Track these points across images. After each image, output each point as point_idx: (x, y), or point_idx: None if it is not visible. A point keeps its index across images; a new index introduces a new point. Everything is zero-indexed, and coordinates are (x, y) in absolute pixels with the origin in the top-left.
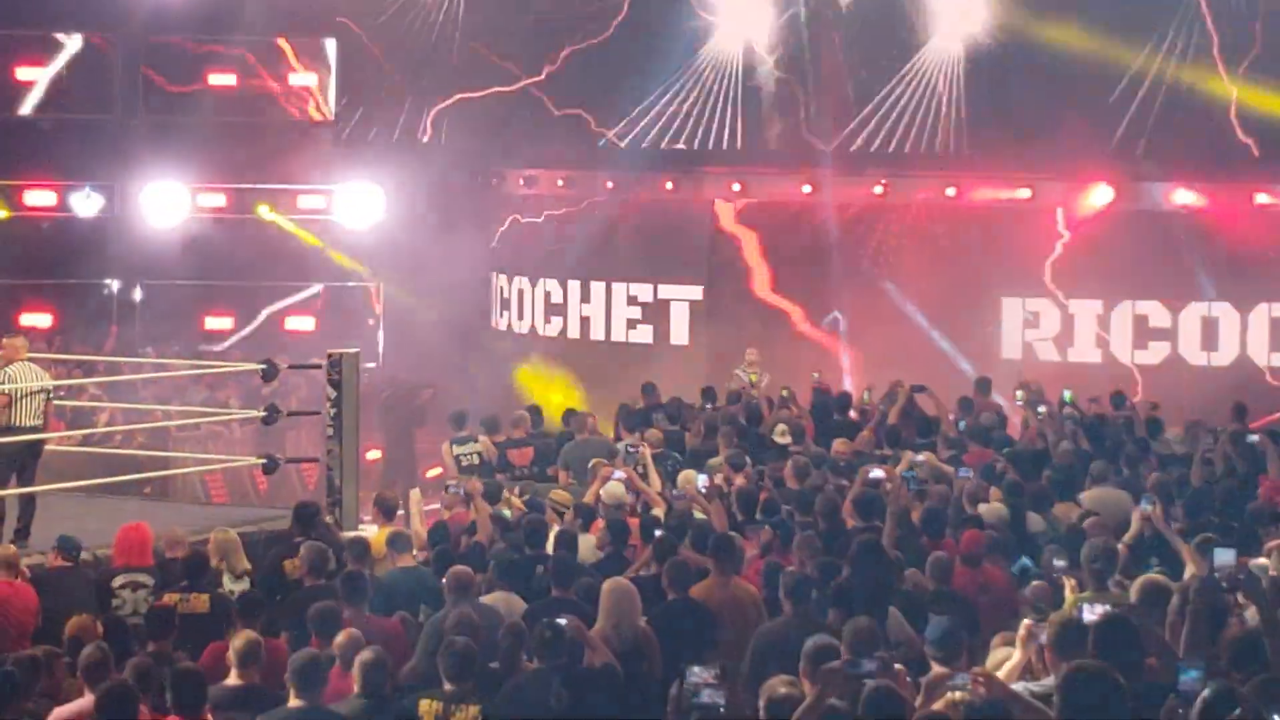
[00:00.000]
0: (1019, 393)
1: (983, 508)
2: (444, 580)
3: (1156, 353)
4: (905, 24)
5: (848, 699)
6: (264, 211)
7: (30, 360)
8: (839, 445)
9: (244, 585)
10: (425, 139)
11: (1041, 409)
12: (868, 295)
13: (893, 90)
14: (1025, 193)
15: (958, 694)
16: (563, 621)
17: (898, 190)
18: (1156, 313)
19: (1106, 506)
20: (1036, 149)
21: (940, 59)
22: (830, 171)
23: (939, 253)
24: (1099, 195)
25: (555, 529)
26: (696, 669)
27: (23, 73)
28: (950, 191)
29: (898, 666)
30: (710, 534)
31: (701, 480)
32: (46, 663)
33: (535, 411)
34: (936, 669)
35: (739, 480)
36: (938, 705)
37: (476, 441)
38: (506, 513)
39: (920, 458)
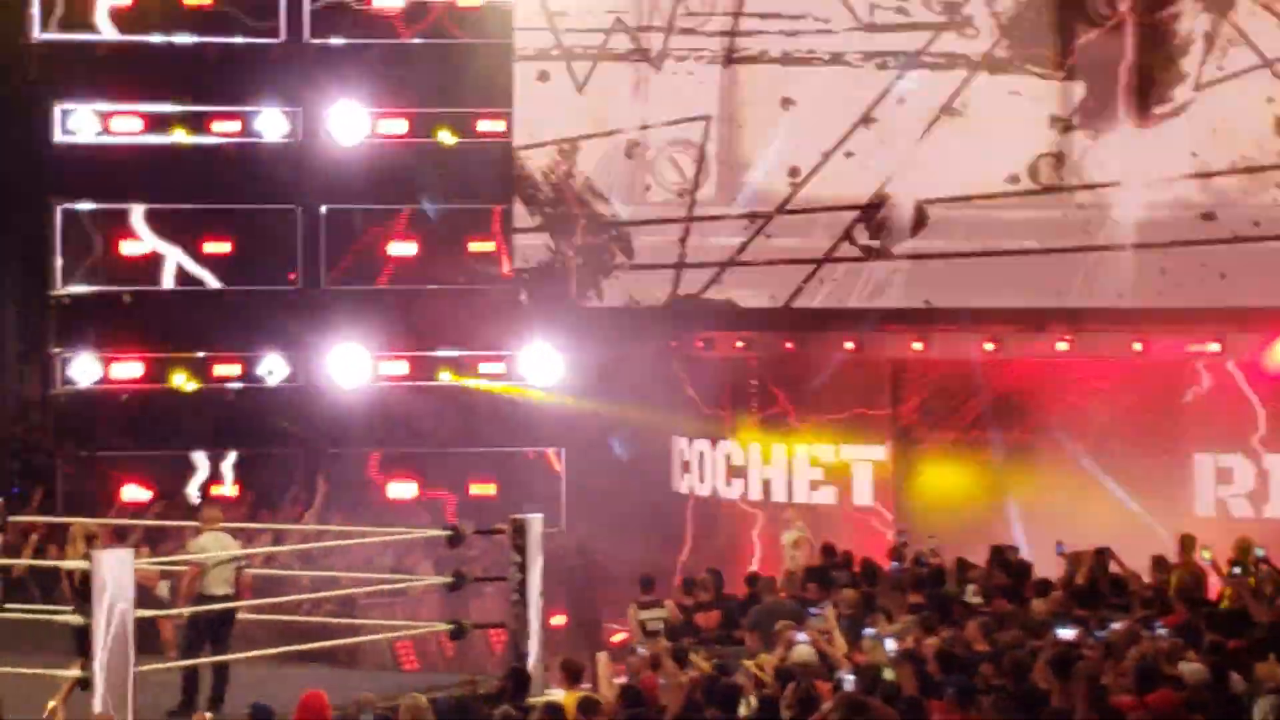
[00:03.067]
0: (1205, 552)
1: (1183, 666)
2: None
3: None
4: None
5: None
6: (445, 378)
7: (223, 529)
8: (1038, 605)
9: None
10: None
11: (1237, 569)
12: (1050, 453)
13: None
14: (1214, 346)
15: None
16: None
17: (1082, 345)
18: None
19: None
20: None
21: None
22: (1011, 328)
23: (1124, 409)
24: None
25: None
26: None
27: (209, 246)
28: (1137, 346)
29: None
30: (899, 698)
31: (890, 644)
32: None
33: (717, 575)
34: None
35: (930, 641)
36: None
37: (662, 606)
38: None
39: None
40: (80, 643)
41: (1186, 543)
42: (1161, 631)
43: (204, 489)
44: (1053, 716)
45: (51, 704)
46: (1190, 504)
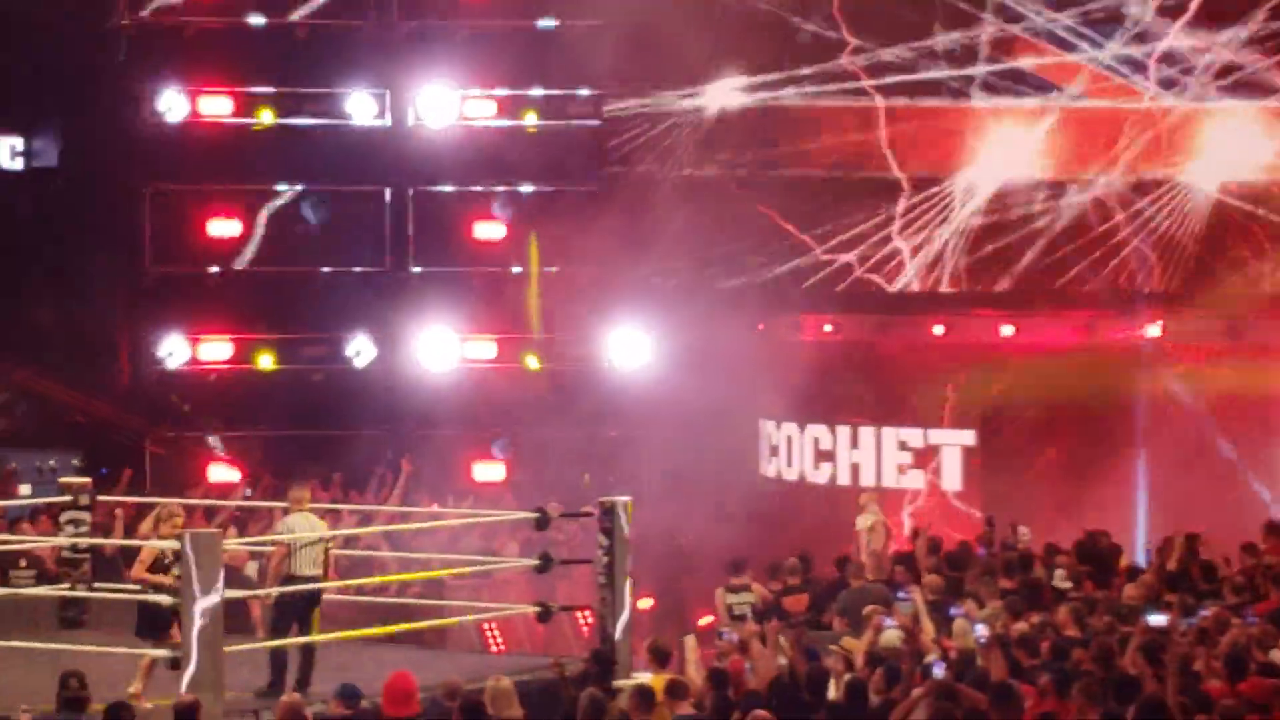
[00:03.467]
0: None
1: (1275, 654)
2: None
3: None
4: None
5: None
6: (531, 361)
7: (310, 510)
8: (1130, 590)
9: None
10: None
11: None
12: (1133, 439)
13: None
14: None
15: None
16: None
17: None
18: None
19: None
20: None
21: None
22: (1099, 314)
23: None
24: None
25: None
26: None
27: (297, 227)
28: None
29: None
30: (988, 682)
31: (980, 630)
32: None
33: (805, 559)
34: None
35: (1018, 627)
36: None
37: (750, 591)
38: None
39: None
40: (152, 624)
41: (1272, 529)
42: (1253, 619)
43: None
44: (1144, 703)
45: (131, 688)
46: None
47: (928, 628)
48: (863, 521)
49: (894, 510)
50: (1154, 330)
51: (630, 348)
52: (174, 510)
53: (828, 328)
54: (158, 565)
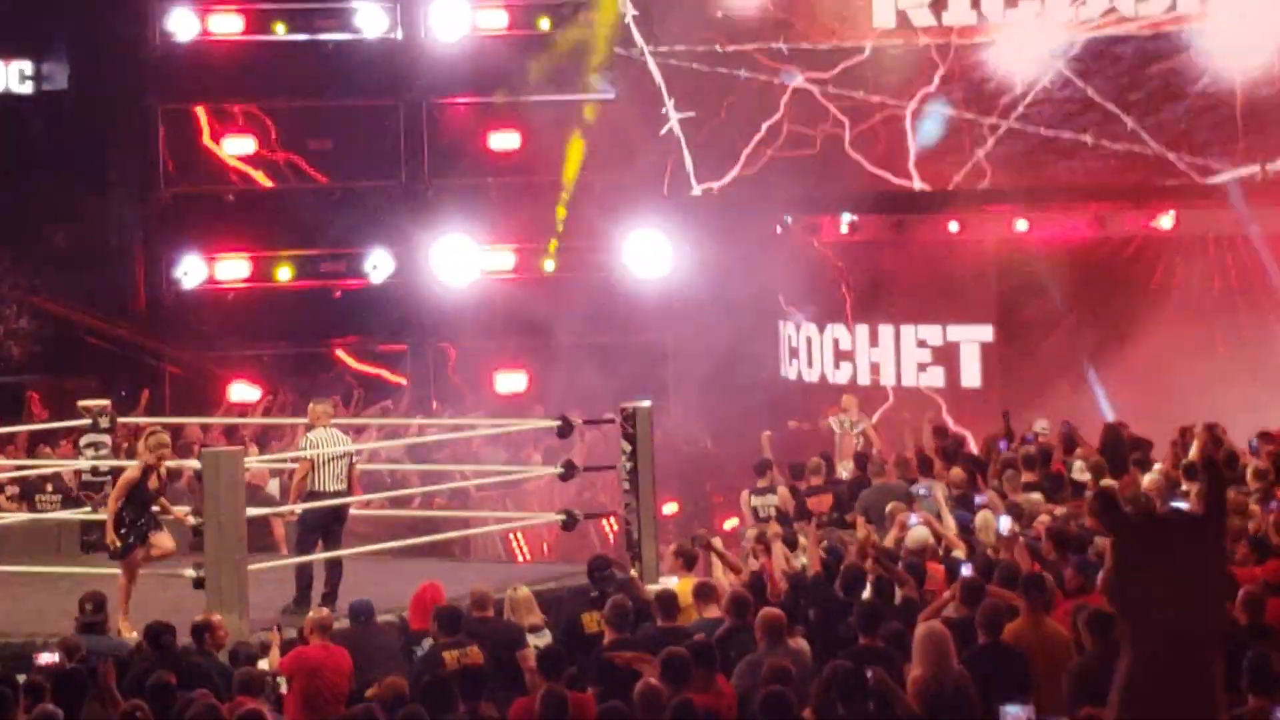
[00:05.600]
0: None
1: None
2: (756, 626)
3: None
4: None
5: None
6: (548, 266)
7: (333, 425)
8: (1148, 480)
9: (544, 640)
10: (708, 187)
11: None
12: (1151, 330)
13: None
14: None
15: None
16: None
17: (1188, 224)
18: None
19: None
20: None
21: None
22: (1114, 205)
23: (1231, 286)
24: None
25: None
26: (1012, 710)
27: (312, 144)
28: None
29: None
30: (1019, 574)
31: (1005, 524)
32: None
33: (828, 458)
34: (1255, 701)
35: (1043, 519)
36: None
37: (775, 493)
38: (804, 560)
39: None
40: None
41: None
42: (1274, 504)
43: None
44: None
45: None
46: None
47: (950, 523)
48: (837, 423)
49: (914, 408)
50: (1167, 221)
51: (649, 254)
52: (159, 436)
53: (845, 229)
54: (135, 494)
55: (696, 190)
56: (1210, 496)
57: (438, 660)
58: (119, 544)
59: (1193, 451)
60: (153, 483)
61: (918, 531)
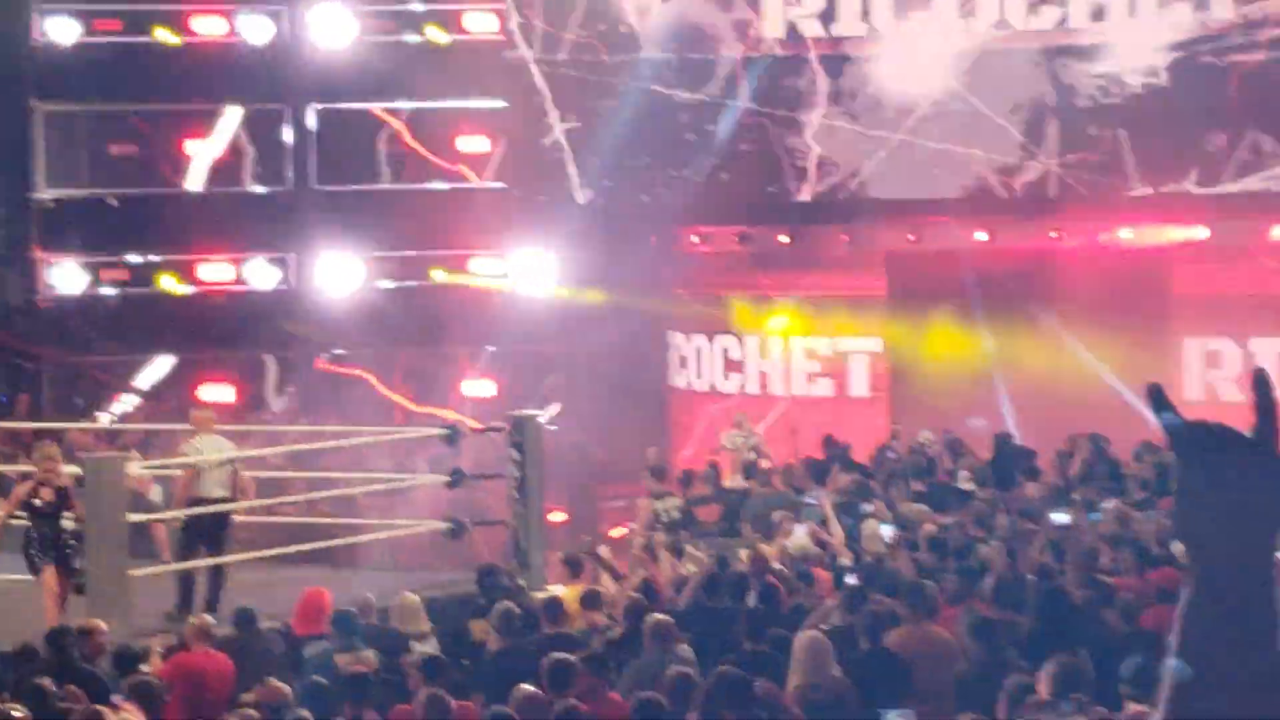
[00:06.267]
0: None
1: (1175, 546)
2: (644, 629)
3: None
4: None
5: None
6: (439, 275)
7: (217, 432)
8: (1031, 490)
9: (429, 648)
10: (592, 199)
11: None
12: (1038, 341)
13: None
14: (1203, 232)
15: None
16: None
17: (1070, 233)
18: None
19: None
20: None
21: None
22: (1003, 219)
23: (1115, 296)
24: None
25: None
26: (892, 715)
27: (195, 148)
28: (1125, 234)
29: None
30: (901, 581)
31: (887, 531)
32: None
33: (715, 468)
34: (1134, 707)
35: (927, 528)
36: None
37: (675, 496)
38: (691, 568)
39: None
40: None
41: None
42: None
43: (195, 393)
44: (1048, 598)
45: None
46: (1180, 389)
47: (837, 531)
48: (730, 440)
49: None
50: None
51: (537, 262)
52: (45, 450)
53: (737, 239)
54: (31, 511)
55: (580, 200)
56: (1261, 412)
57: (330, 664)
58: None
59: (1075, 462)
60: (45, 496)
61: (801, 539)
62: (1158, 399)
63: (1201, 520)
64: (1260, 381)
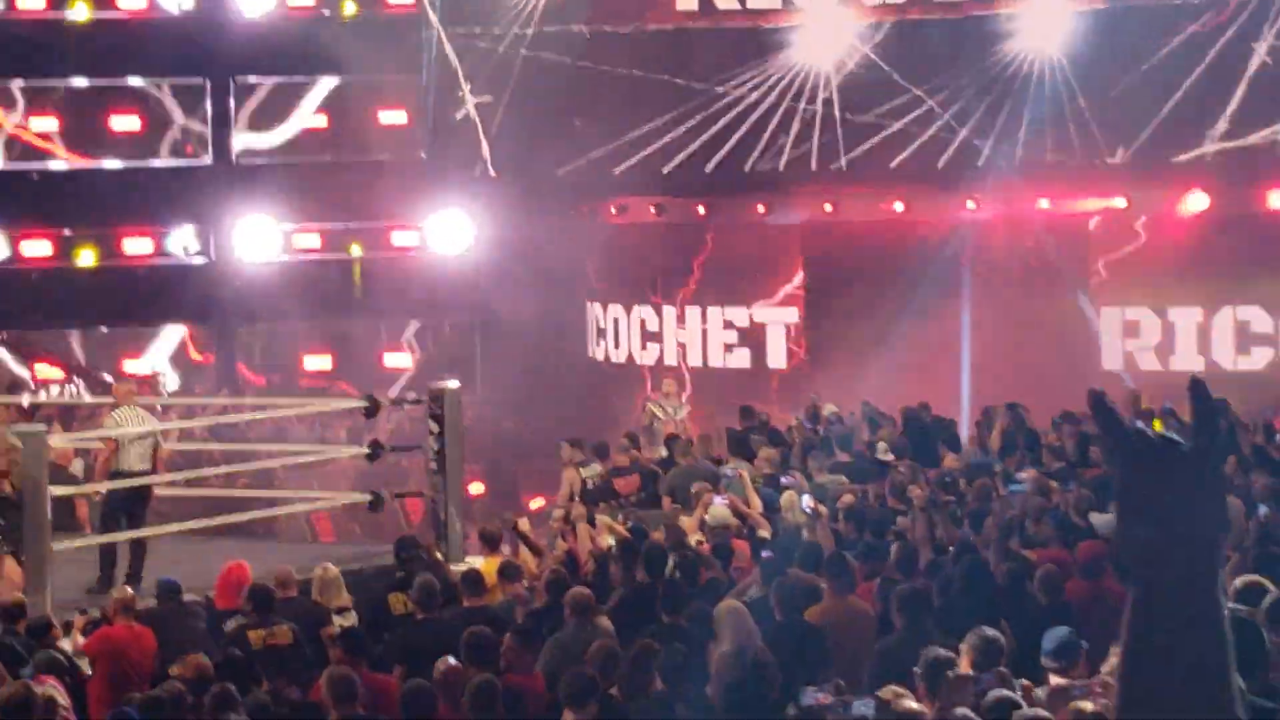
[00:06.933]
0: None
1: (1094, 517)
2: (564, 602)
3: (1260, 358)
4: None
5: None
6: (355, 250)
7: (137, 405)
8: (949, 461)
9: (349, 621)
10: (506, 172)
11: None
12: (956, 312)
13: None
14: (1121, 202)
15: (1086, 704)
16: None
17: (989, 204)
18: (1259, 318)
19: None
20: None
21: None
22: (921, 189)
23: (1033, 266)
24: (1195, 201)
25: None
26: (811, 689)
27: (116, 122)
28: (1044, 203)
29: (1022, 681)
30: (820, 554)
31: (806, 501)
32: (172, 703)
33: (634, 439)
34: (1055, 680)
35: (845, 499)
36: (1060, 717)
37: (598, 464)
38: (609, 540)
39: (1023, 474)
40: None
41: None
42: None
43: (117, 365)
44: (969, 568)
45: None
46: (1098, 358)
47: (755, 502)
48: (658, 408)
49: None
50: (972, 204)
51: (454, 233)
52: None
53: (652, 209)
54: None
55: (491, 171)
56: (1200, 421)
57: (243, 639)
58: None
59: (994, 432)
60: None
61: (719, 511)
62: (1100, 407)
63: (1144, 537)
64: (1198, 392)
